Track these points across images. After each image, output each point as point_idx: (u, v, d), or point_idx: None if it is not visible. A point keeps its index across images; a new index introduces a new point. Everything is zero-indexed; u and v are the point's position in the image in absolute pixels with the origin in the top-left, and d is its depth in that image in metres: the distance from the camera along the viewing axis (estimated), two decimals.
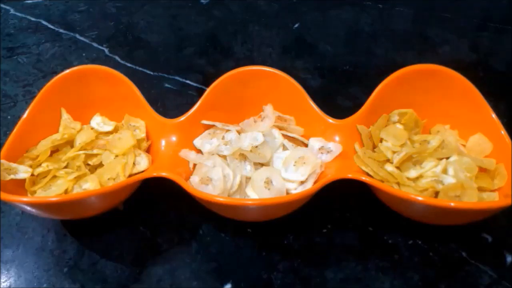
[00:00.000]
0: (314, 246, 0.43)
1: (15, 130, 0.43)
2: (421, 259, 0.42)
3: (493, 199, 0.41)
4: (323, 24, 0.68)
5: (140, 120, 0.48)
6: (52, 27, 0.68)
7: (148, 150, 0.47)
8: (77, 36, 0.66)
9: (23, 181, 0.42)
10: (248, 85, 0.48)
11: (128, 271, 0.42)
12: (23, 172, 0.42)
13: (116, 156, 0.45)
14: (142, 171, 0.44)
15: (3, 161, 0.41)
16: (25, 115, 0.44)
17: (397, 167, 0.44)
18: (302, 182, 0.43)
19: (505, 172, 0.42)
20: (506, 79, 0.59)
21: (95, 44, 0.65)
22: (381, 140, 0.46)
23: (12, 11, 0.70)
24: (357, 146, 0.45)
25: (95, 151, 0.45)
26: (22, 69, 0.61)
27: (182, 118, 0.46)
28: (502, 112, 0.44)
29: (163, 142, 0.46)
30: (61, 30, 0.67)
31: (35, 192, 0.43)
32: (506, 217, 0.43)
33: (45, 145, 0.45)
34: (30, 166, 0.43)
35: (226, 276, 0.41)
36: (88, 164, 0.45)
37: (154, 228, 0.45)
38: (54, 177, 0.43)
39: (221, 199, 0.37)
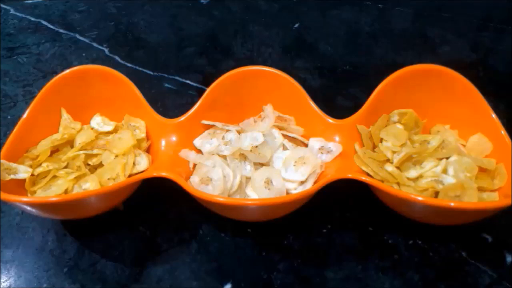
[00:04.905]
0: (314, 246, 0.43)
1: (15, 130, 0.43)
2: (421, 259, 0.42)
3: (493, 199, 0.41)
4: (323, 24, 0.68)
5: (140, 120, 0.48)
6: (52, 27, 0.68)
7: (148, 150, 0.47)
8: (77, 36, 0.66)
9: (23, 181, 0.42)
10: (248, 85, 0.48)
11: (128, 271, 0.42)
12: (23, 172, 0.42)
13: (116, 156, 0.45)
14: (142, 171, 0.44)
15: (3, 161, 0.41)
16: (25, 115, 0.44)
17: (397, 167, 0.44)
18: (302, 182, 0.43)
19: (505, 172, 0.42)
20: (506, 79, 0.59)
21: (95, 44, 0.65)
22: (381, 140, 0.46)
23: (12, 11, 0.70)
24: (357, 146, 0.45)
25: (95, 151, 0.45)
26: (22, 69, 0.61)
27: (182, 118, 0.46)
28: (502, 112, 0.44)
29: (163, 142, 0.46)
30: (61, 30, 0.67)
31: (35, 192, 0.43)
32: (506, 217, 0.43)
33: (45, 145, 0.45)
34: (30, 166, 0.43)
35: (226, 276, 0.42)
36: (88, 164, 0.45)
37: (154, 228, 0.45)
38: (54, 177, 0.43)
39: (221, 199, 0.37)
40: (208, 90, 0.47)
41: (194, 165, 0.45)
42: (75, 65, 0.48)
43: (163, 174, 0.41)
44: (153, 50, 0.64)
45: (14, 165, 0.42)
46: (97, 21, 0.69)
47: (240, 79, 0.48)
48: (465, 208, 0.37)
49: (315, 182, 0.43)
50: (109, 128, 0.48)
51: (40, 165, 0.44)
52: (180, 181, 0.40)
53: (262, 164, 0.45)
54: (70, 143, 0.46)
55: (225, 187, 0.42)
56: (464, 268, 0.41)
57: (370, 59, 0.62)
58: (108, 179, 0.43)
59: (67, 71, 0.47)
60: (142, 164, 0.45)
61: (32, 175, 0.43)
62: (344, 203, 0.46)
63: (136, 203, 0.45)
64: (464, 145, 0.46)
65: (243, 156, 0.45)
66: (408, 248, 0.43)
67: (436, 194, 0.41)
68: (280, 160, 0.45)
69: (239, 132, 0.47)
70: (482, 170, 0.43)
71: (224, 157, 0.45)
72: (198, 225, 0.45)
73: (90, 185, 0.42)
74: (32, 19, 0.69)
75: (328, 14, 0.70)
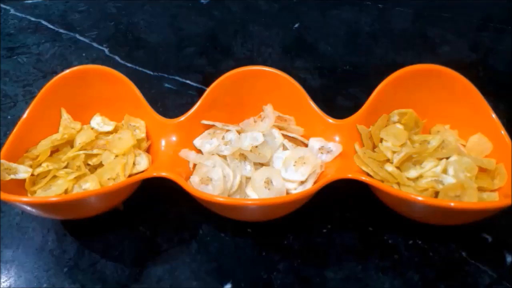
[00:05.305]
0: (314, 246, 0.43)
1: (15, 130, 0.43)
2: (421, 259, 0.42)
3: (493, 199, 0.41)
4: (323, 24, 0.68)
5: (140, 120, 0.48)
6: (52, 27, 0.68)
7: (148, 150, 0.47)
8: (77, 36, 0.66)
9: (23, 181, 0.42)
10: (248, 85, 0.48)
11: (128, 271, 0.42)
12: (23, 172, 0.42)
13: (116, 156, 0.45)
14: (142, 171, 0.44)
15: (3, 161, 0.41)
16: (25, 115, 0.44)
17: (397, 167, 0.44)
18: (302, 182, 0.43)
19: (505, 172, 0.42)
20: (506, 79, 0.59)
21: (95, 44, 0.65)
22: (381, 140, 0.46)
23: (12, 11, 0.70)
24: (357, 146, 0.45)
25: (95, 151, 0.45)
26: (22, 69, 0.61)
27: (182, 118, 0.46)
28: (502, 112, 0.44)
29: (163, 142, 0.46)
30: (61, 30, 0.67)
31: (35, 192, 0.43)
32: (506, 217, 0.43)
33: (45, 145, 0.45)
34: (30, 166, 0.43)
35: (226, 276, 0.42)
36: (88, 164, 0.45)
37: (154, 228, 0.45)
38: (54, 177, 0.43)
39: (221, 199, 0.37)
40: (208, 90, 0.47)
41: (194, 165, 0.45)
42: (75, 65, 0.48)
43: (163, 174, 0.41)
44: (153, 50, 0.64)
45: (14, 165, 0.42)
46: (97, 21, 0.69)
47: (240, 79, 0.48)
48: (465, 208, 0.37)
49: (315, 182, 0.43)
50: (109, 128, 0.48)
51: (40, 165, 0.44)
52: (180, 181, 0.40)
53: (262, 164, 0.45)
54: (70, 143, 0.46)
55: (225, 187, 0.42)
56: (464, 268, 0.41)
57: (370, 59, 0.62)
58: (108, 179, 0.43)
59: (67, 71, 0.47)
60: (142, 164, 0.45)
61: (32, 175, 0.43)
62: (344, 203, 0.46)
63: (136, 203, 0.45)
64: (464, 145, 0.46)
65: (243, 156, 0.45)
66: (408, 248, 0.43)
67: (436, 194, 0.41)
68: (280, 160, 0.45)
69: (239, 132, 0.47)
70: (482, 170, 0.43)
71: (224, 157, 0.45)
72: (198, 225, 0.45)
73: (90, 185, 0.42)
74: (32, 19, 0.69)
75: (328, 14, 0.70)
